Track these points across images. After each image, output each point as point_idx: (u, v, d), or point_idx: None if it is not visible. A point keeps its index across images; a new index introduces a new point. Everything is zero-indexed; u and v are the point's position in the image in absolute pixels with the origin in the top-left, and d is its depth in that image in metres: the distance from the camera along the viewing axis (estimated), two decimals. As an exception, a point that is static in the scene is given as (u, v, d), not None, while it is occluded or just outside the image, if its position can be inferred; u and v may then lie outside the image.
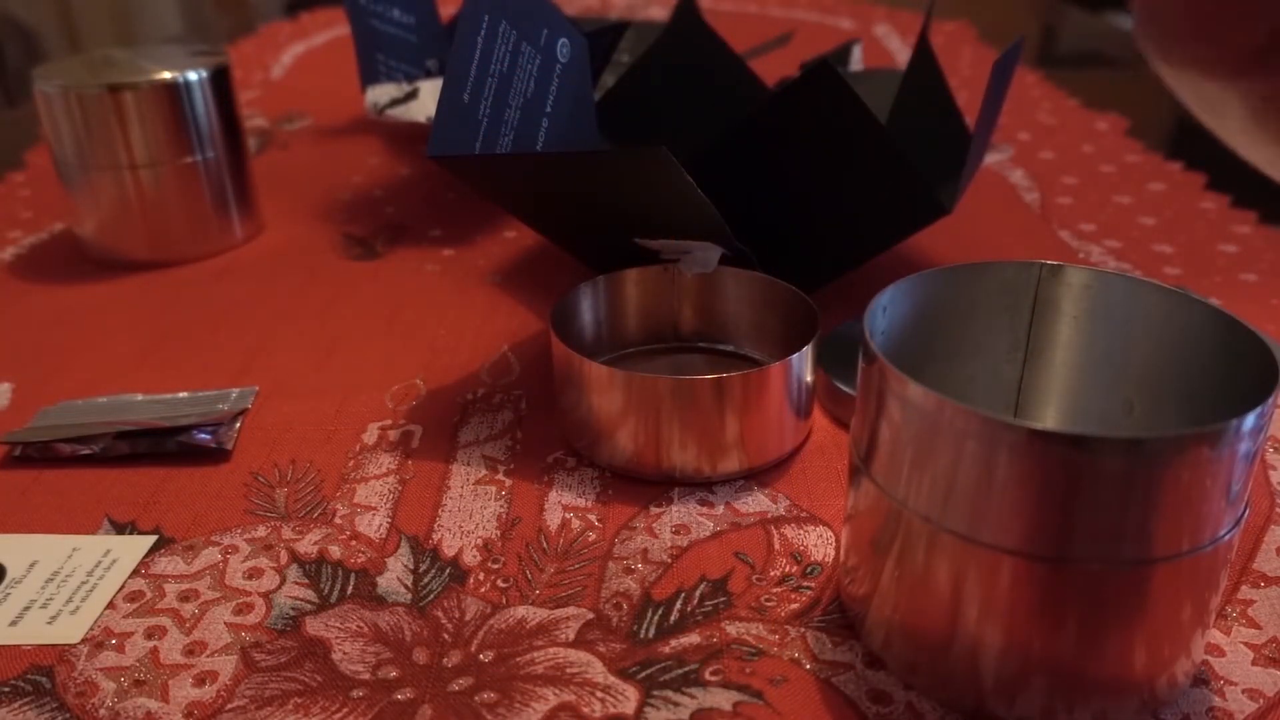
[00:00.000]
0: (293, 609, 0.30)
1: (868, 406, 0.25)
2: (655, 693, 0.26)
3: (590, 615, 0.29)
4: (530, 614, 0.29)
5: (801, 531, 0.33)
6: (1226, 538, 0.23)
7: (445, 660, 0.28)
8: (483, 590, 0.30)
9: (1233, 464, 0.22)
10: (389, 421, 0.39)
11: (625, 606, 0.30)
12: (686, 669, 0.27)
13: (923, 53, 0.48)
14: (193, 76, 0.50)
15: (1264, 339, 0.25)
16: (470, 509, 0.34)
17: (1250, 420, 0.22)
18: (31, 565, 0.32)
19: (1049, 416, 0.31)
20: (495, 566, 0.31)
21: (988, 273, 0.29)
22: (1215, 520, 0.23)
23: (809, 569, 0.31)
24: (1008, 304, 0.30)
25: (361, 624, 0.29)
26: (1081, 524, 0.22)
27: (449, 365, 0.43)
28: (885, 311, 0.27)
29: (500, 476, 0.36)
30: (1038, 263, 0.29)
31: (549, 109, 0.44)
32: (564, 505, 0.34)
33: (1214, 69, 0.21)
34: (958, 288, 0.29)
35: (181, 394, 0.41)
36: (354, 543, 0.33)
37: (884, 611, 0.26)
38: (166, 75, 0.50)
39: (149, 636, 0.29)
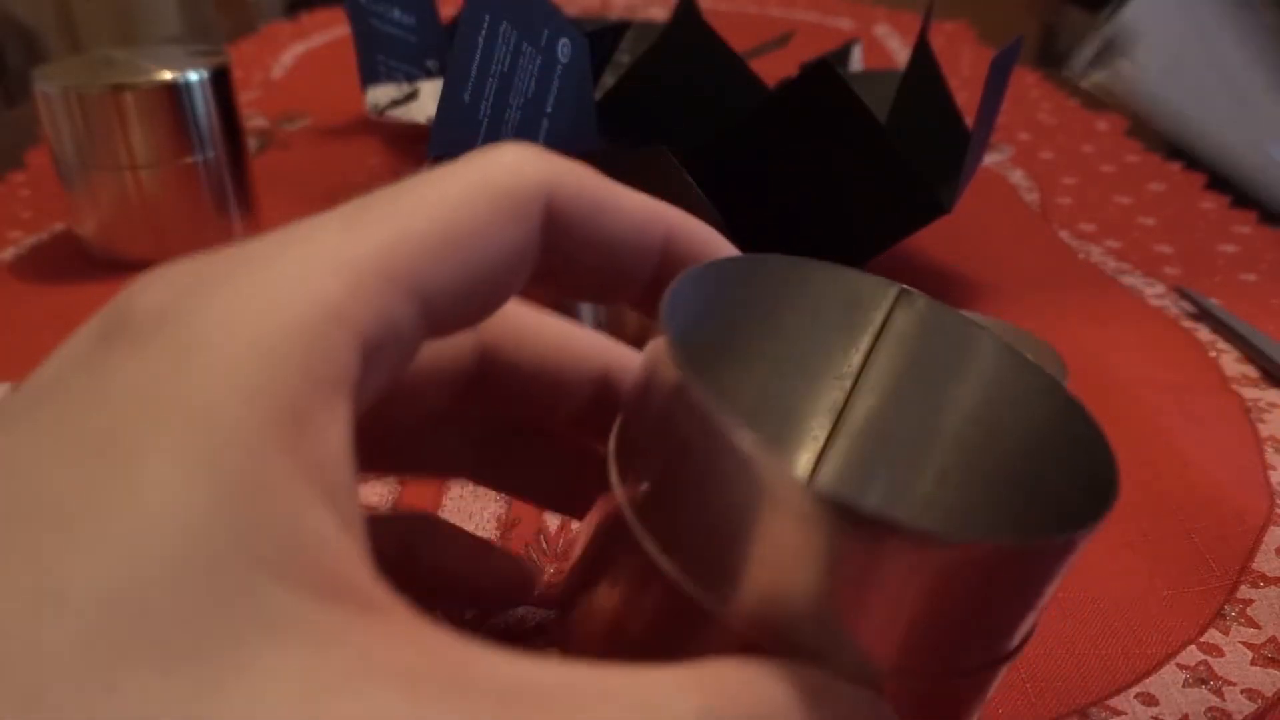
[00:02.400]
0: (293, 609, 0.30)
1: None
2: (655, 692, 0.26)
3: (590, 615, 0.29)
4: (530, 614, 0.29)
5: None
6: (982, 672, 0.18)
7: (445, 660, 0.28)
8: (483, 590, 0.30)
9: (1021, 587, 0.17)
10: (389, 421, 0.39)
11: (625, 606, 0.30)
12: (686, 669, 0.27)
13: (922, 53, 0.48)
14: (193, 77, 0.50)
15: (1104, 439, 0.19)
16: (470, 509, 0.34)
17: (1050, 546, 0.17)
18: (32, 565, 0.32)
19: (848, 460, 0.25)
20: (495, 566, 0.31)
21: (839, 279, 0.24)
22: (970, 646, 0.18)
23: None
24: (854, 321, 0.24)
25: (361, 624, 0.29)
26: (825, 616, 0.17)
27: (449, 365, 0.43)
28: (697, 287, 0.20)
29: (500, 476, 0.36)
30: (896, 285, 0.23)
31: (549, 109, 0.44)
32: (564, 505, 0.34)
33: None
34: (802, 286, 0.24)
35: (182, 394, 0.41)
36: (354, 542, 0.32)
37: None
38: (167, 75, 0.50)
39: (149, 636, 0.29)
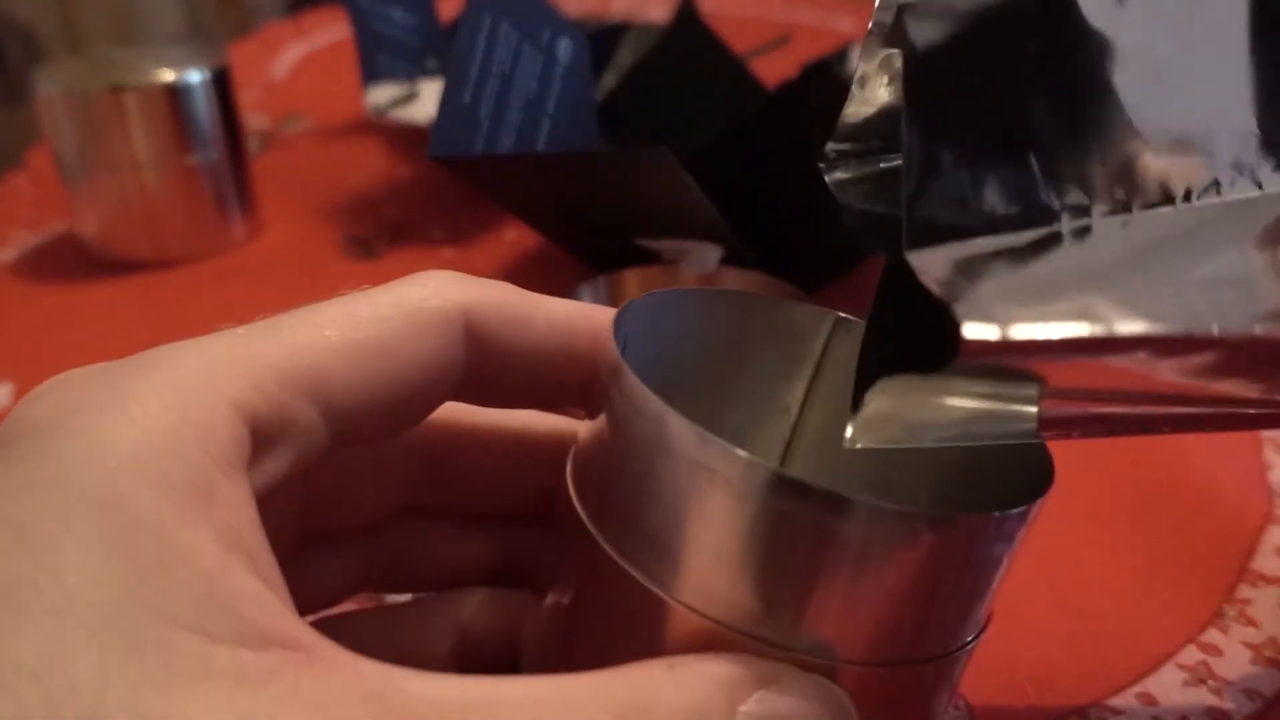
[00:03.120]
0: (294, 608, 0.30)
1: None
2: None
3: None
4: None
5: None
6: (939, 661, 0.18)
7: (446, 659, 0.28)
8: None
9: (970, 566, 0.18)
10: (390, 421, 0.39)
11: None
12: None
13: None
14: (193, 77, 0.51)
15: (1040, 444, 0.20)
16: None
17: (1003, 523, 0.17)
18: (33, 564, 0.32)
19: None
20: (496, 566, 0.31)
21: (776, 311, 0.24)
22: (923, 633, 0.18)
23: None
24: (793, 352, 0.24)
25: (362, 623, 0.29)
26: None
27: (449, 365, 0.43)
28: (639, 317, 0.21)
29: (501, 476, 0.36)
30: (832, 314, 0.23)
31: (550, 110, 0.44)
32: (564, 505, 0.34)
33: None
34: (739, 318, 0.23)
35: (182, 394, 0.41)
36: (355, 542, 0.33)
37: None
38: (167, 76, 0.50)
39: (150, 635, 0.29)
